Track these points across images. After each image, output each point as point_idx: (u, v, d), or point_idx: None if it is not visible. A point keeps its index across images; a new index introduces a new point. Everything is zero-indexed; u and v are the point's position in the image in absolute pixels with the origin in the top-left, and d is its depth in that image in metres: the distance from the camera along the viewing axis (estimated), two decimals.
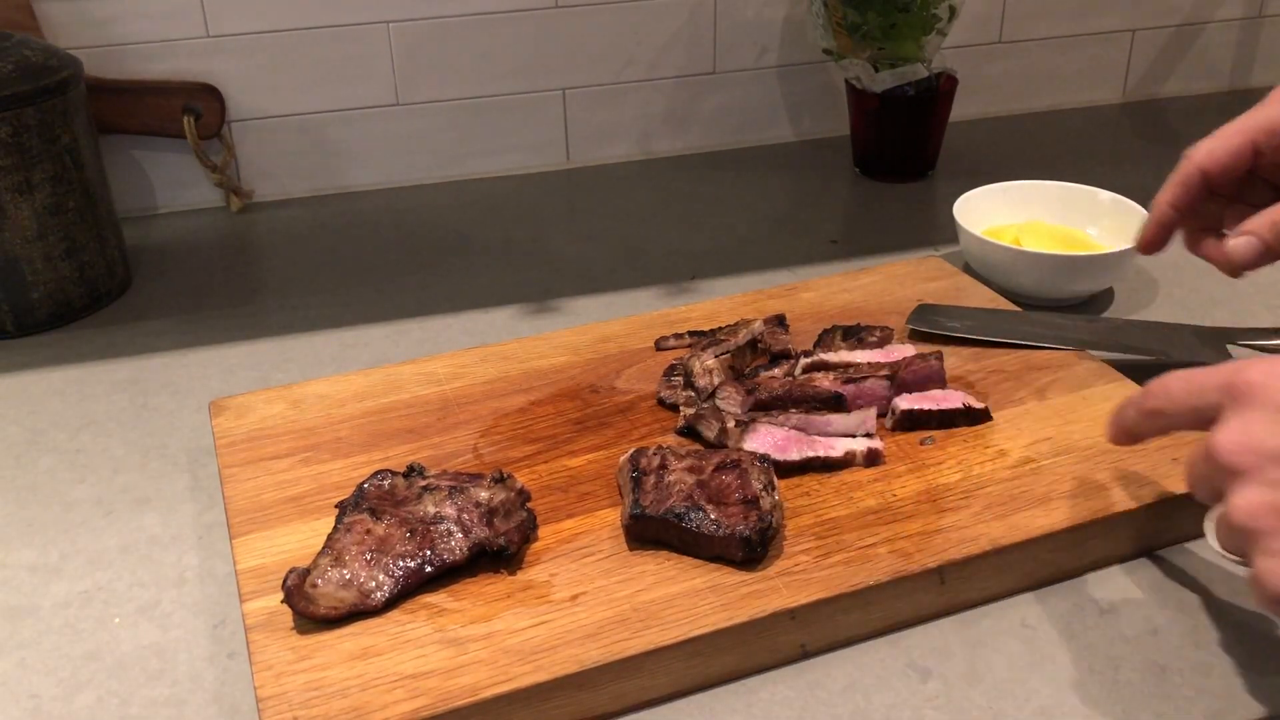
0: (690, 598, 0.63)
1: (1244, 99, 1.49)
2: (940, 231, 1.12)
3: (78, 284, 1.01)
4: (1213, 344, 0.87)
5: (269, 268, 1.12)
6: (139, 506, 0.78)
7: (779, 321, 0.88)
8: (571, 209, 1.24)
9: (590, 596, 0.64)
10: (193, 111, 1.15)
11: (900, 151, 1.25)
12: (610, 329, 0.89)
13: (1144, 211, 0.98)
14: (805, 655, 0.64)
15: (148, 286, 1.07)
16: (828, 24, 1.21)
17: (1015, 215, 1.04)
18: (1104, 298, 0.99)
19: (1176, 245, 1.08)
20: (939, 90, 1.23)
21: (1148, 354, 0.86)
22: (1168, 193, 0.74)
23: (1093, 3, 1.40)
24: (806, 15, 1.27)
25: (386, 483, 0.70)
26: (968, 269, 1.02)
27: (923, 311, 0.89)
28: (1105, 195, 1.02)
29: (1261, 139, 0.72)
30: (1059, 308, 0.96)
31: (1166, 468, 0.72)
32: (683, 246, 1.12)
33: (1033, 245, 0.97)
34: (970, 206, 1.01)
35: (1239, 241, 0.70)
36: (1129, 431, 0.63)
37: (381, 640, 0.61)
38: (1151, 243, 0.76)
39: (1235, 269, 0.71)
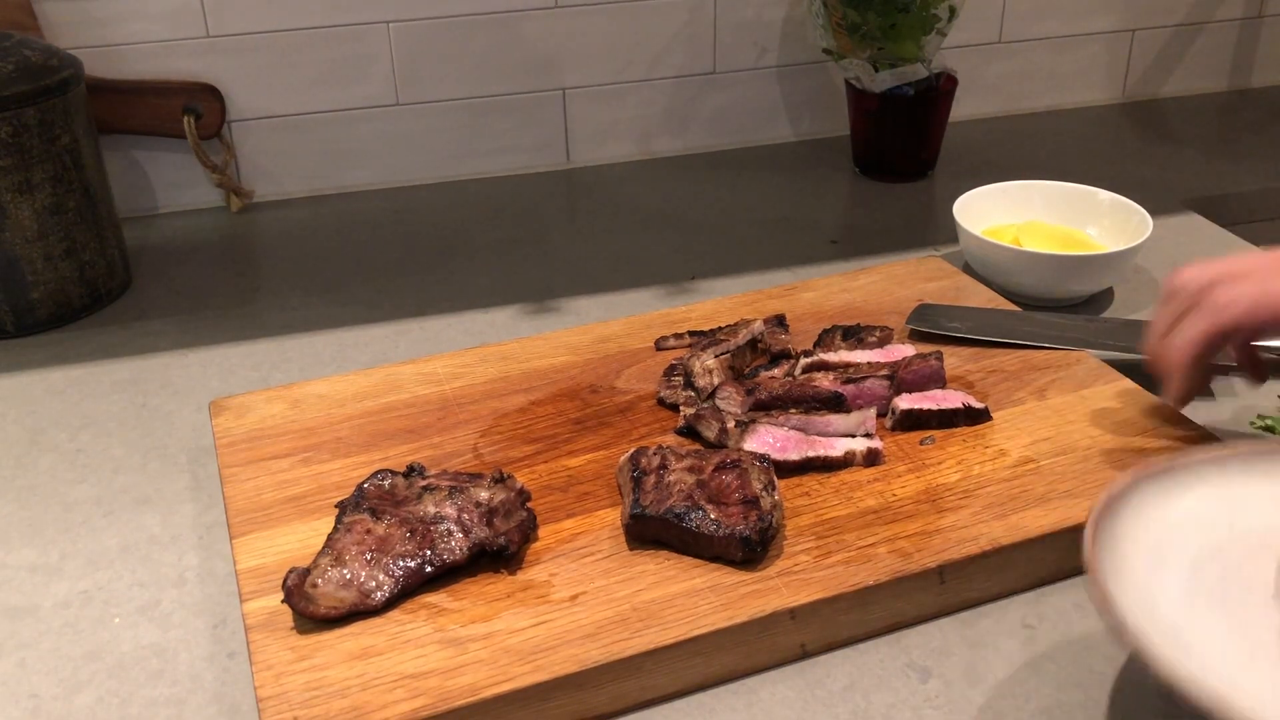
0: (690, 598, 0.63)
1: (1244, 99, 1.50)
2: (940, 231, 1.12)
3: (78, 284, 1.01)
4: None
5: (269, 268, 1.12)
6: (139, 506, 0.78)
7: (779, 321, 0.88)
8: (571, 209, 1.24)
9: (590, 596, 0.64)
10: (193, 111, 1.15)
11: (900, 151, 1.25)
12: (610, 329, 0.90)
13: (1144, 211, 0.98)
14: (805, 655, 0.64)
15: (148, 286, 1.07)
16: (828, 24, 1.21)
17: (1015, 215, 1.04)
18: (1104, 298, 0.99)
19: (1176, 244, 1.09)
20: (939, 90, 1.22)
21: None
22: (1193, 350, 0.70)
23: (1093, 3, 1.40)
24: (806, 15, 1.27)
25: (386, 483, 0.70)
26: (968, 269, 1.02)
27: (923, 311, 0.89)
28: (1105, 195, 1.02)
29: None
30: (1059, 308, 0.96)
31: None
32: (683, 246, 1.12)
33: (1033, 245, 0.97)
34: (970, 206, 1.01)
35: None
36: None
37: (381, 640, 0.61)
38: (1188, 399, 0.73)
39: None
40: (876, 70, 1.20)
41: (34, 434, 0.86)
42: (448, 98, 1.24)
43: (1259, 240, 1.10)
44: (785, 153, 1.34)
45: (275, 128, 1.21)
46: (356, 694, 0.58)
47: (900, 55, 1.19)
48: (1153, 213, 0.98)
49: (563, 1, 1.23)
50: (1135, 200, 1.00)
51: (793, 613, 0.63)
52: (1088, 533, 0.57)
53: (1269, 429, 0.81)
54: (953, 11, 1.19)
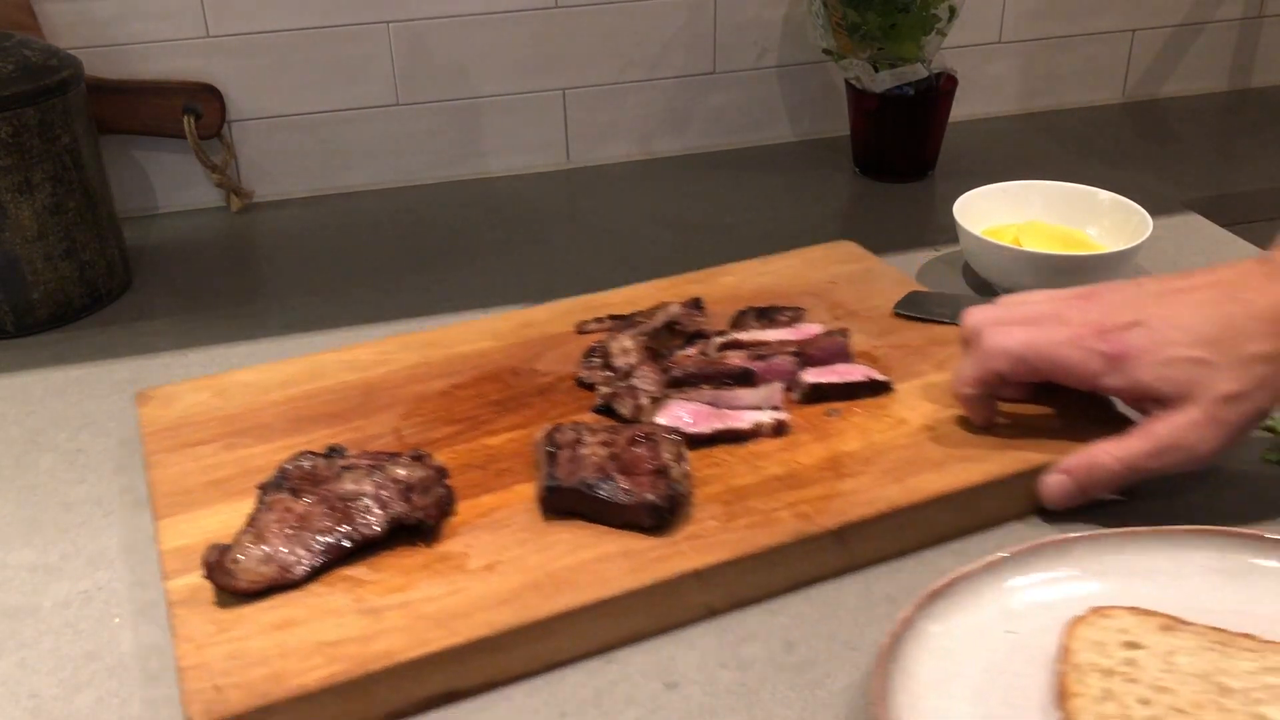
0: (601, 563, 0.65)
1: (1244, 99, 1.50)
2: (940, 232, 1.12)
3: (78, 284, 1.01)
4: None
5: (269, 268, 1.12)
6: (139, 507, 0.78)
7: (696, 304, 0.90)
8: (571, 209, 1.24)
9: (505, 565, 0.65)
10: (193, 111, 1.15)
11: (900, 151, 1.25)
12: (533, 315, 0.91)
13: (1144, 212, 0.98)
14: (712, 614, 0.66)
15: (148, 286, 1.07)
16: (828, 24, 1.21)
17: (1015, 215, 1.04)
18: None
19: (1175, 244, 1.09)
20: (939, 90, 1.23)
21: None
22: (971, 389, 0.74)
23: (1093, 3, 1.40)
24: (806, 15, 1.27)
25: (307, 464, 0.71)
26: (967, 269, 1.02)
27: (912, 298, 0.91)
28: (1105, 195, 1.02)
29: (1066, 383, 0.72)
30: None
31: (1058, 430, 0.75)
32: (683, 246, 1.12)
33: (1033, 245, 0.97)
34: (970, 206, 1.01)
35: (1052, 480, 0.71)
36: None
37: (301, 611, 0.62)
38: (986, 424, 0.76)
39: (1048, 504, 0.72)
40: (876, 70, 1.20)
41: (34, 434, 0.86)
42: (448, 98, 1.25)
43: (1259, 240, 1.10)
44: (785, 153, 1.34)
45: (275, 128, 1.21)
46: (276, 662, 0.59)
47: (900, 55, 1.19)
48: (1153, 213, 0.98)
49: (563, 2, 1.23)
50: (1135, 200, 1.00)
51: (699, 574, 0.65)
52: (874, 677, 0.57)
53: (1269, 429, 0.81)
54: (953, 11, 1.19)
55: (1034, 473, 0.72)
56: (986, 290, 1.00)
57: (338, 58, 1.20)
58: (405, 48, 1.21)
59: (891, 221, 1.17)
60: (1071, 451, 0.72)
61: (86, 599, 0.70)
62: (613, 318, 0.89)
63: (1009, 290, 0.97)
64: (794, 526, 0.67)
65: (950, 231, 1.01)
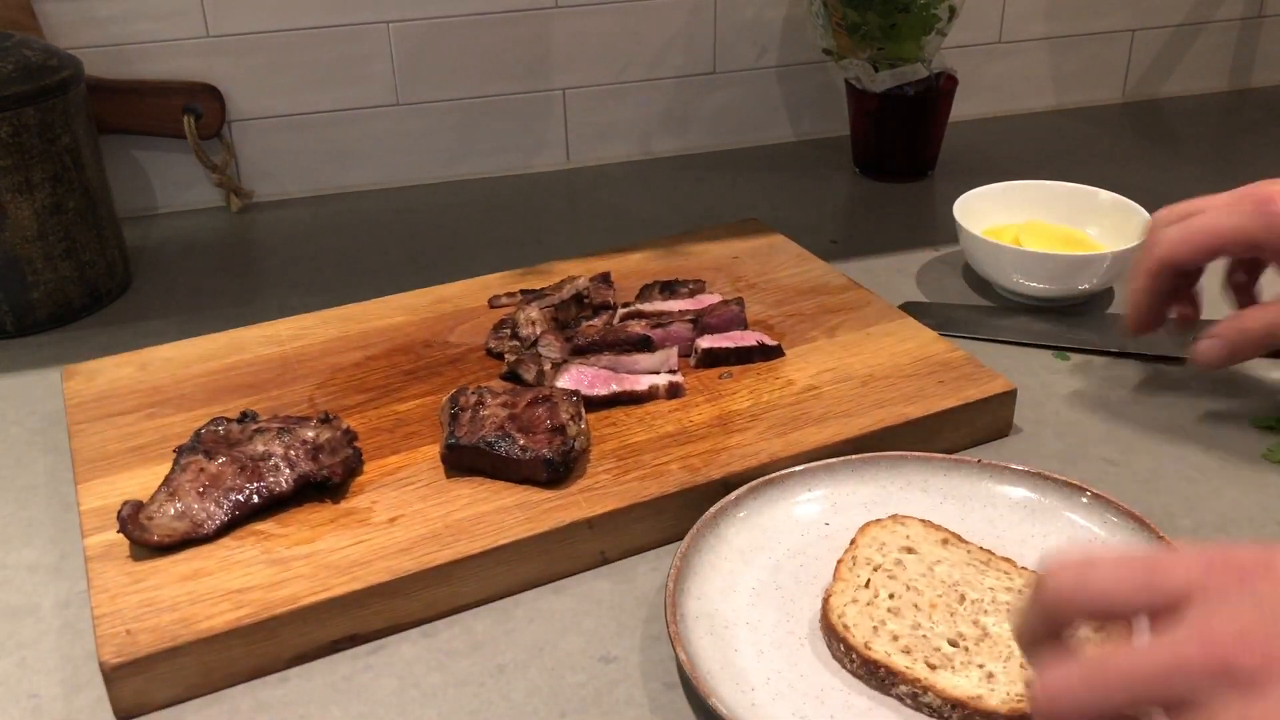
0: (499, 514, 0.69)
1: (1244, 99, 1.50)
2: (940, 231, 1.12)
3: (78, 284, 1.01)
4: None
5: (269, 268, 1.12)
6: None
7: (604, 278, 0.93)
8: (571, 209, 1.24)
9: (407, 519, 0.69)
10: (193, 111, 1.15)
11: (900, 151, 1.25)
12: (448, 291, 0.95)
13: (1144, 212, 0.98)
14: (605, 561, 0.70)
15: (148, 286, 1.07)
16: (828, 24, 1.21)
17: (1015, 215, 1.04)
18: (1104, 298, 0.99)
19: None
20: (939, 90, 1.22)
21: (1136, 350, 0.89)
22: (1139, 281, 0.76)
23: (1093, 3, 1.40)
24: (806, 15, 1.27)
25: (221, 428, 0.74)
26: (967, 269, 1.02)
27: (906, 309, 0.92)
28: (1105, 195, 1.02)
29: (1228, 249, 0.73)
30: (1060, 308, 0.96)
31: (933, 389, 0.80)
32: None
33: (1033, 245, 0.97)
34: (970, 206, 1.01)
35: (1206, 345, 0.74)
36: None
37: (211, 563, 0.66)
38: (1142, 326, 0.78)
39: (1202, 369, 0.76)
40: (876, 70, 1.20)
41: (34, 434, 0.86)
42: (448, 98, 1.24)
43: None
44: (785, 153, 1.34)
45: (275, 128, 1.21)
46: (186, 608, 0.63)
47: (900, 55, 1.19)
48: (1153, 213, 0.98)
49: (563, 1, 1.23)
50: (1135, 200, 1.00)
51: (590, 522, 0.69)
52: (689, 536, 0.66)
53: (1270, 429, 0.81)
54: (953, 11, 1.19)
55: (903, 427, 0.77)
56: (987, 290, 1.00)
57: (338, 58, 1.20)
58: (405, 48, 1.21)
59: (891, 221, 1.17)
60: (939, 407, 0.77)
61: (86, 599, 0.70)
62: (523, 292, 0.92)
63: (1009, 290, 0.97)
64: (681, 477, 0.72)
65: (950, 231, 1.01)
